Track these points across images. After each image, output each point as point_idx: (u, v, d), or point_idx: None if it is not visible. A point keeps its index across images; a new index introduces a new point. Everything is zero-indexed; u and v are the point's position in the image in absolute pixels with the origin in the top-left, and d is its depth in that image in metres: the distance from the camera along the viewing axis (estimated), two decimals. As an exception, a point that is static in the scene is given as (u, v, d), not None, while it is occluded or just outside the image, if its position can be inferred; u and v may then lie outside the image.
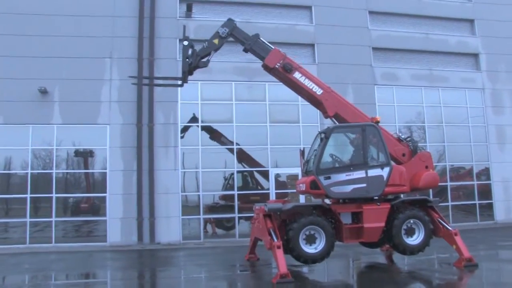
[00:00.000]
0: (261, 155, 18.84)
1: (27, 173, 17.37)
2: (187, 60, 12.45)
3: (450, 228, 11.29)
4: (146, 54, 18.26)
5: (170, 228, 17.61)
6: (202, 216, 18.21)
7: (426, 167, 11.94)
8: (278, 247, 10.20)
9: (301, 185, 11.68)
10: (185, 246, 17.02)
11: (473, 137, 21.15)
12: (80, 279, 12.12)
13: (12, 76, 17.22)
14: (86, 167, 18.17)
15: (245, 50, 12.62)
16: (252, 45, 12.38)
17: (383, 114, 18.27)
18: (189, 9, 18.91)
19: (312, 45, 20.06)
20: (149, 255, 15.59)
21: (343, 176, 11.06)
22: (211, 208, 18.68)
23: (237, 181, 18.72)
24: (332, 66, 19.37)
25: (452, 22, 21.95)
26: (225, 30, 12.42)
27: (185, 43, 12.45)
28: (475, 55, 22.00)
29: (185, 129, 18.53)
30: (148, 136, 17.89)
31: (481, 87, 21.62)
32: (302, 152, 12.48)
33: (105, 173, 17.75)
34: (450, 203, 20.37)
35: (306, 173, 11.96)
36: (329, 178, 11.02)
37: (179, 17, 18.88)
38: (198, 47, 12.52)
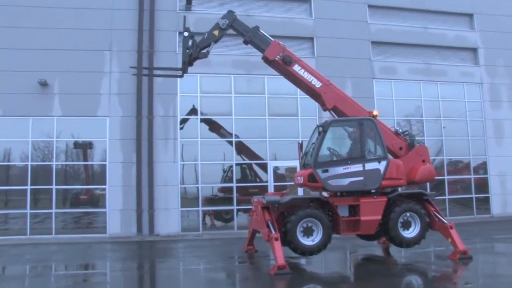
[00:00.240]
0: (259, 148, 18.94)
1: (27, 165, 17.47)
2: (188, 51, 12.52)
3: (446, 222, 11.42)
4: (146, 47, 18.29)
5: (169, 220, 17.73)
6: (201, 208, 18.34)
7: (423, 161, 12.07)
8: (276, 239, 10.32)
9: (299, 178, 11.79)
10: (184, 237, 17.14)
11: (470, 131, 21.25)
12: (80, 270, 12.27)
13: (12, 69, 17.27)
14: (85, 159, 18.26)
15: (245, 42, 12.68)
16: (252, 37, 12.44)
17: (381, 107, 18.42)
18: (188, 2, 18.93)
19: (311, 39, 20.09)
20: (148, 247, 15.73)
21: (340, 170, 11.17)
22: (210, 200, 18.77)
23: (236, 173, 18.82)
24: (331, 60, 19.42)
25: (451, 16, 21.95)
26: (225, 21, 12.49)
27: (186, 34, 12.50)
28: (474, 50, 22.05)
29: (184, 120, 18.61)
30: (147, 128, 17.98)
31: (479, 82, 21.69)
32: (301, 145, 12.57)
33: (105, 165, 17.85)
34: (447, 197, 20.52)
35: (304, 166, 12.07)
36: (326, 171, 11.12)
37: (179, 9, 18.89)
38: (198, 39, 12.58)
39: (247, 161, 19.32)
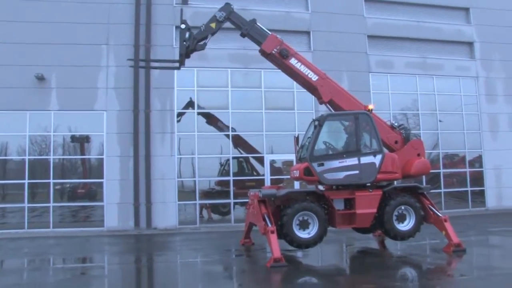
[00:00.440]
0: (256, 141, 19.00)
1: (24, 159, 17.52)
2: (185, 43, 12.58)
3: (440, 215, 11.53)
4: (143, 41, 18.28)
5: (166, 213, 17.82)
6: (198, 202, 18.43)
7: (418, 154, 12.16)
8: (272, 232, 10.42)
9: (295, 171, 11.88)
10: (181, 231, 17.22)
11: (466, 125, 21.36)
12: (78, 263, 12.35)
13: (9, 63, 17.27)
14: (82, 153, 18.30)
15: (242, 35, 12.72)
16: (249, 30, 12.49)
17: (377, 101, 18.43)
18: (185, -5, 18.94)
19: (308, 33, 20.12)
20: (146, 240, 15.82)
21: (336, 163, 11.25)
22: (207, 194, 18.86)
23: (232, 167, 18.87)
24: (327, 54, 19.47)
25: (447, 10, 21.97)
26: (222, 14, 12.54)
27: (183, 26, 12.56)
28: (470, 44, 22.10)
29: (181, 113, 18.65)
30: (144, 122, 18.01)
31: (475, 75, 21.76)
32: (297, 139, 12.65)
33: (102, 159, 17.91)
34: (442, 190, 20.64)
35: (300, 159, 12.16)
36: (322, 165, 11.20)
37: (176, 4, 18.87)
38: (195, 32, 12.63)
39: (244, 155, 19.39)
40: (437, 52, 21.51)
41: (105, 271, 11.44)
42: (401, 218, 11.43)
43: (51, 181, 17.50)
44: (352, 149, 11.45)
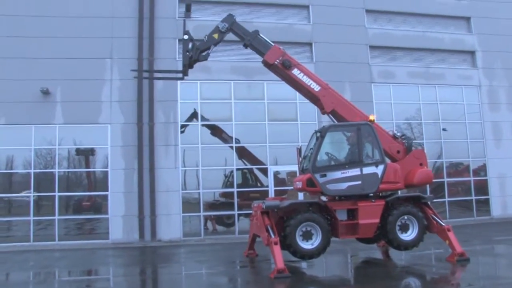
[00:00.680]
0: (260, 152, 19.06)
1: (29, 172, 17.64)
2: (188, 53, 12.72)
3: (443, 224, 11.54)
4: (146, 54, 18.47)
5: (171, 226, 17.87)
6: (202, 213, 18.47)
7: (421, 164, 12.20)
8: (276, 243, 10.45)
9: (297, 182, 11.92)
10: (186, 243, 17.26)
11: (469, 134, 21.34)
12: (83, 275, 12.39)
13: (14, 78, 17.46)
14: (87, 166, 18.40)
15: (245, 46, 12.84)
16: (251, 40, 12.63)
17: (380, 111, 18.64)
18: (188, 9, 19.04)
19: (310, 44, 20.25)
20: (151, 252, 15.85)
21: (338, 174, 11.30)
22: (211, 205, 18.90)
23: (236, 178, 18.94)
24: (329, 65, 19.55)
25: (449, 19, 22.06)
26: (224, 25, 12.69)
27: (185, 37, 12.71)
28: (472, 53, 22.15)
29: (185, 125, 18.74)
30: (148, 135, 18.13)
31: (477, 84, 21.79)
32: (299, 150, 12.74)
33: (107, 171, 18.01)
34: (447, 199, 20.58)
35: (302, 171, 12.22)
36: (325, 176, 11.26)
37: (178, 17, 19.07)
38: (197, 43, 12.77)
39: (248, 166, 19.44)
40: (439, 62, 21.57)
41: (110, 283, 11.50)
42: (404, 228, 11.44)
43: (56, 194, 17.60)
44: (354, 160, 11.49)
